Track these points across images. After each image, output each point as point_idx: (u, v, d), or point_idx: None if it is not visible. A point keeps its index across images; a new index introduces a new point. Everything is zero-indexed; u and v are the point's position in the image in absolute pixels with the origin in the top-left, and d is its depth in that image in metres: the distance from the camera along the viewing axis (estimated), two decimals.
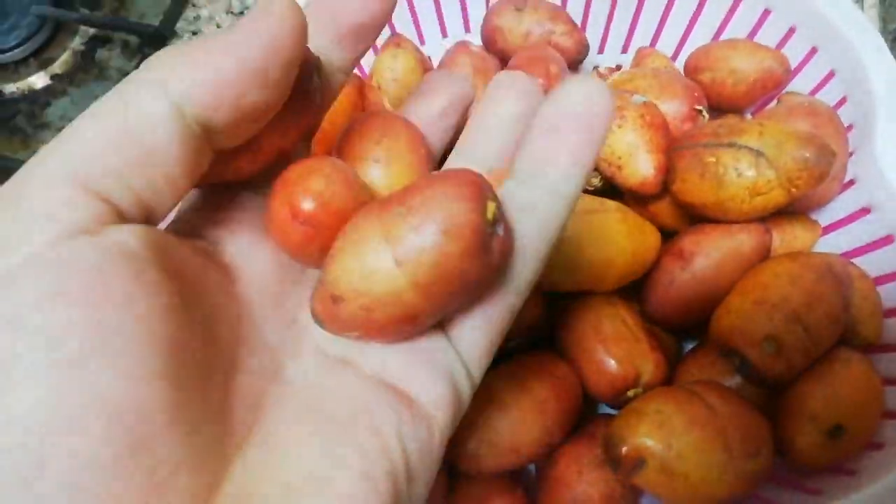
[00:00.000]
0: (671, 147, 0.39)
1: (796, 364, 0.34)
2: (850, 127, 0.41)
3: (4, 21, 0.62)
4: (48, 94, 0.62)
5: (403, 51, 0.46)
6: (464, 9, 0.50)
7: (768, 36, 0.46)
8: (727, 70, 0.44)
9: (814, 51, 0.44)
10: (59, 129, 0.58)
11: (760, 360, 0.34)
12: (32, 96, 0.62)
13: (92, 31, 0.64)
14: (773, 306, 0.35)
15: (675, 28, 0.49)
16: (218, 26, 0.61)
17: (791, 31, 0.44)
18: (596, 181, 0.41)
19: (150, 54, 0.58)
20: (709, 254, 0.38)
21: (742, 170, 0.35)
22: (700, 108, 0.42)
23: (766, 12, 0.45)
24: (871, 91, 0.39)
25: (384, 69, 0.45)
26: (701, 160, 0.37)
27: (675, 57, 0.50)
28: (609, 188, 0.41)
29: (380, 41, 0.48)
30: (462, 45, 0.46)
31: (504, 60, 0.46)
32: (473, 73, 0.44)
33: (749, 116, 0.47)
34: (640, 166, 0.38)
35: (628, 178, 0.38)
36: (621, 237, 0.37)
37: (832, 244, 0.42)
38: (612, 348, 0.36)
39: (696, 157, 0.37)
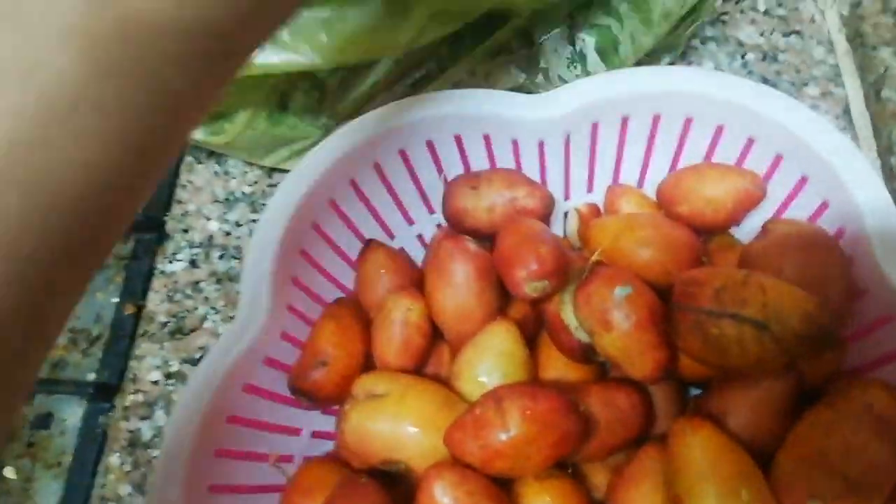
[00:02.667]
0: (672, 302, 0.38)
1: None
2: (839, 231, 0.40)
3: None
4: None
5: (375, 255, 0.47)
6: (421, 193, 0.50)
7: (726, 151, 0.45)
8: (703, 200, 0.43)
9: (778, 158, 0.43)
10: (71, 330, 0.59)
11: None
12: None
13: None
14: (812, 462, 0.34)
15: (633, 158, 0.48)
16: (207, 219, 0.62)
17: (750, 142, 0.44)
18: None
19: (143, 239, 0.63)
20: (740, 413, 0.37)
21: (746, 345, 0.34)
22: (704, 259, 0.41)
23: (720, 128, 0.45)
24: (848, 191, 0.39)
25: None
26: (703, 329, 0.36)
27: (640, 184, 0.49)
28: None
29: (353, 251, 0.48)
30: (456, 246, 0.43)
31: (477, 236, 0.46)
32: (476, 277, 0.42)
33: (737, 237, 0.46)
34: (637, 369, 0.37)
35: (631, 373, 0.38)
36: None
37: (861, 355, 0.40)
38: None
39: (699, 324, 0.36)
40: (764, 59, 0.62)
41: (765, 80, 0.60)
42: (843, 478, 0.32)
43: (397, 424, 0.38)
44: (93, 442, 0.56)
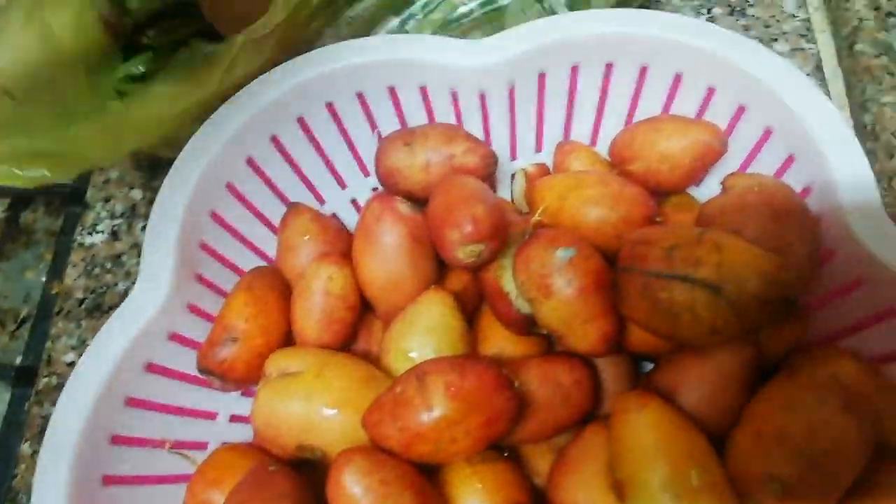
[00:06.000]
0: (618, 265, 0.34)
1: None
2: (806, 189, 0.36)
3: None
4: None
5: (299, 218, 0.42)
6: (353, 153, 0.45)
7: (684, 103, 0.41)
8: (657, 156, 0.39)
9: (741, 109, 0.39)
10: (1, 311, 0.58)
11: None
12: None
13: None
14: (770, 440, 0.30)
15: (585, 112, 0.44)
16: (131, 187, 0.57)
17: (710, 92, 0.40)
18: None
19: (74, 213, 0.58)
20: (693, 388, 0.33)
21: (699, 311, 0.30)
22: (659, 220, 0.37)
23: (678, 77, 0.40)
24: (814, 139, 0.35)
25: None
26: (651, 293, 0.32)
27: (592, 142, 0.45)
28: None
29: (277, 217, 0.44)
30: (385, 207, 0.38)
31: (413, 200, 0.41)
32: (407, 242, 0.38)
33: (696, 197, 0.42)
34: (580, 340, 0.33)
35: (574, 346, 0.34)
36: None
37: (828, 325, 0.36)
38: None
39: (647, 287, 0.32)
40: (731, 13, 0.58)
41: None
42: (804, 457, 0.28)
43: (312, 405, 0.33)
44: (17, 430, 0.52)
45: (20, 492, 0.48)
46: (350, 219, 0.46)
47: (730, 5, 0.58)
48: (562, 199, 0.38)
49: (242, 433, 0.41)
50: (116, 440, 0.35)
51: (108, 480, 0.34)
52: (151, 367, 0.36)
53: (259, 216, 0.43)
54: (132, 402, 0.36)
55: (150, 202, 0.56)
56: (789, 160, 0.37)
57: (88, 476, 0.33)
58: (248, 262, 0.42)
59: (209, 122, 0.40)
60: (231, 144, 0.40)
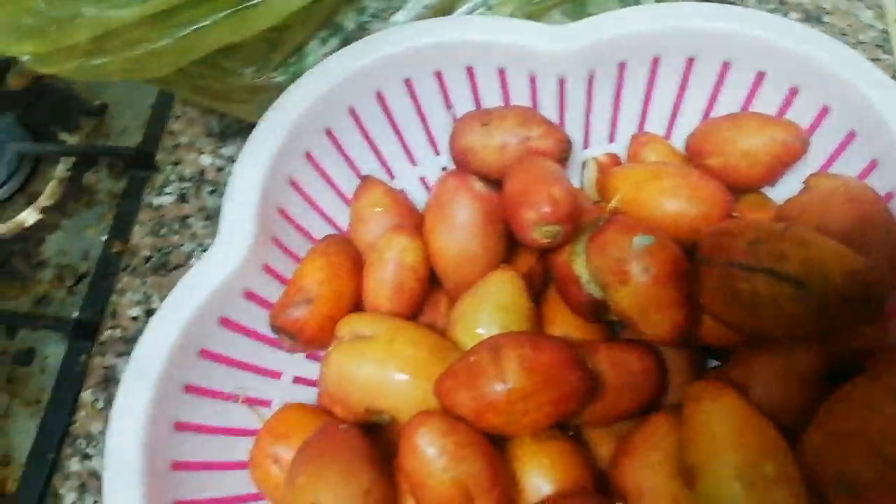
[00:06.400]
0: (698, 255, 0.34)
1: None
2: (889, 195, 0.36)
3: None
4: (41, 229, 0.60)
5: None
6: (427, 131, 0.46)
7: (765, 102, 0.41)
8: (738, 152, 0.39)
9: (825, 111, 0.39)
10: (57, 266, 0.61)
11: None
12: (24, 235, 0.60)
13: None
14: (847, 440, 0.30)
15: (662, 104, 0.44)
16: (200, 153, 0.59)
17: (793, 92, 0.40)
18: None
19: (138, 176, 0.60)
20: (765, 383, 0.33)
21: (782, 304, 0.30)
22: (735, 215, 0.37)
23: (761, 75, 0.40)
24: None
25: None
26: (732, 284, 0.32)
27: (667, 136, 0.45)
28: None
29: (349, 188, 0.44)
30: (461, 184, 0.39)
31: (485, 180, 0.42)
32: (480, 219, 0.38)
33: (770, 197, 0.42)
34: (653, 327, 0.33)
35: (645, 332, 0.34)
36: None
37: None
38: None
39: (727, 278, 0.32)
40: (807, 19, 0.57)
41: None
42: (882, 458, 0.28)
43: (383, 370, 0.34)
44: (72, 381, 0.53)
45: (79, 436, 0.49)
46: (418, 195, 0.47)
47: (806, 12, 0.58)
48: (638, 189, 0.38)
49: (304, 395, 0.41)
50: (189, 389, 0.36)
51: (180, 427, 0.36)
52: (225, 322, 0.37)
53: (333, 186, 0.44)
54: (205, 354, 0.37)
55: (219, 169, 0.58)
56: (872, 164, 0.37)
57: (162, 421, 0.35)
58: (320, 229, 0.43)
59: (290, 90, 0.40)
60: (311, 113, 0.40)
